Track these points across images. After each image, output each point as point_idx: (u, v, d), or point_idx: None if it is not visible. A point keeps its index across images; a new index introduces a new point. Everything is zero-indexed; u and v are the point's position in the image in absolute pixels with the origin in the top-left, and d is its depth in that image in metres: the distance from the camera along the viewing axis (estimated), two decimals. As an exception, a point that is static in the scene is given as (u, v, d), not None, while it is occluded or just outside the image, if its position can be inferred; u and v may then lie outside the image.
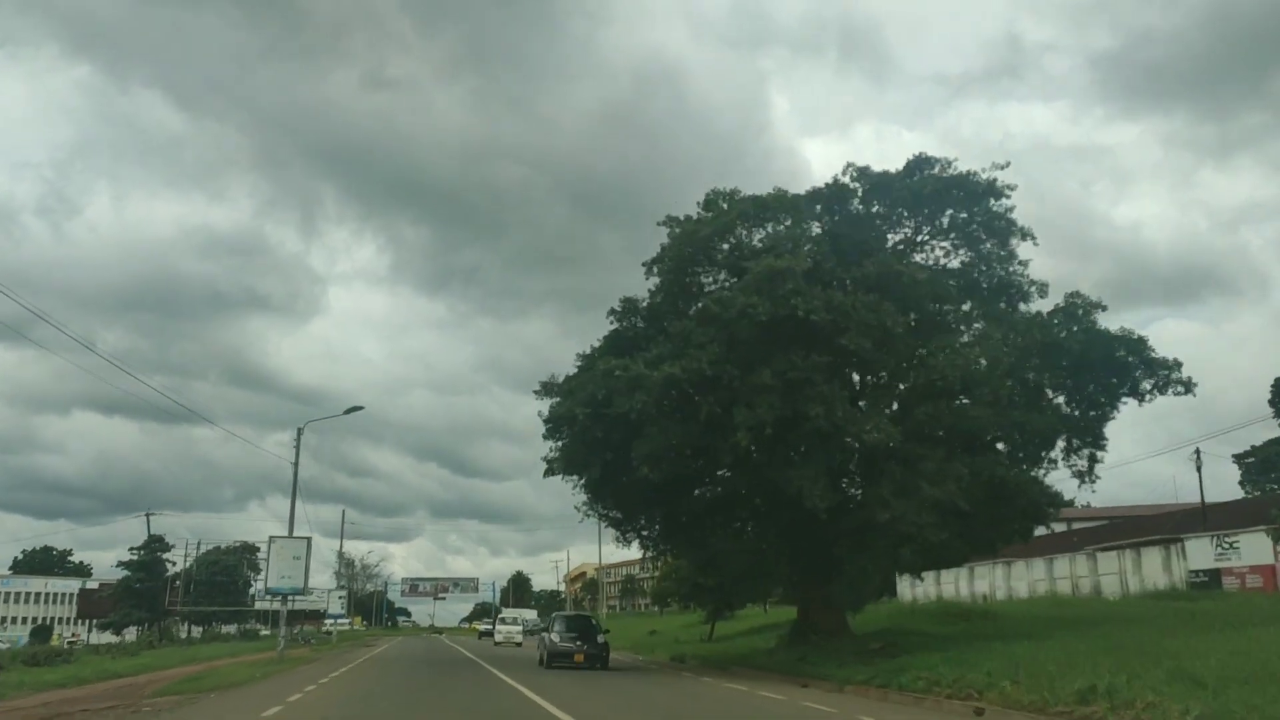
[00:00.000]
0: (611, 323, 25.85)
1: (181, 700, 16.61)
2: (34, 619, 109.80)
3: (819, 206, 24.33)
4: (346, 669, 25.35)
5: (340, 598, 72.14)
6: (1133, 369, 22.36)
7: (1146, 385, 22.37)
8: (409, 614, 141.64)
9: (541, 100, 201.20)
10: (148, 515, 77.54)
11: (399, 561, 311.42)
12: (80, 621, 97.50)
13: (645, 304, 25.67)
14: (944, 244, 24.58)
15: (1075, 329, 22.44)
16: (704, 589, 43.11)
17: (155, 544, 79.13)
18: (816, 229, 24.42)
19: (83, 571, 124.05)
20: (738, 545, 27.01)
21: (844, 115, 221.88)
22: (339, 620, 73.84)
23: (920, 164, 23.88)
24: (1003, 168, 22.97)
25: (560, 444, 24.45)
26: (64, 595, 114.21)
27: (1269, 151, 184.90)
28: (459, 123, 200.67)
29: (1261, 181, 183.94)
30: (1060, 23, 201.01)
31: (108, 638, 75.54)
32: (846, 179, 23.97)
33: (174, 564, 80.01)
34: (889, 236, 24.67)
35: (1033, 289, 24.19)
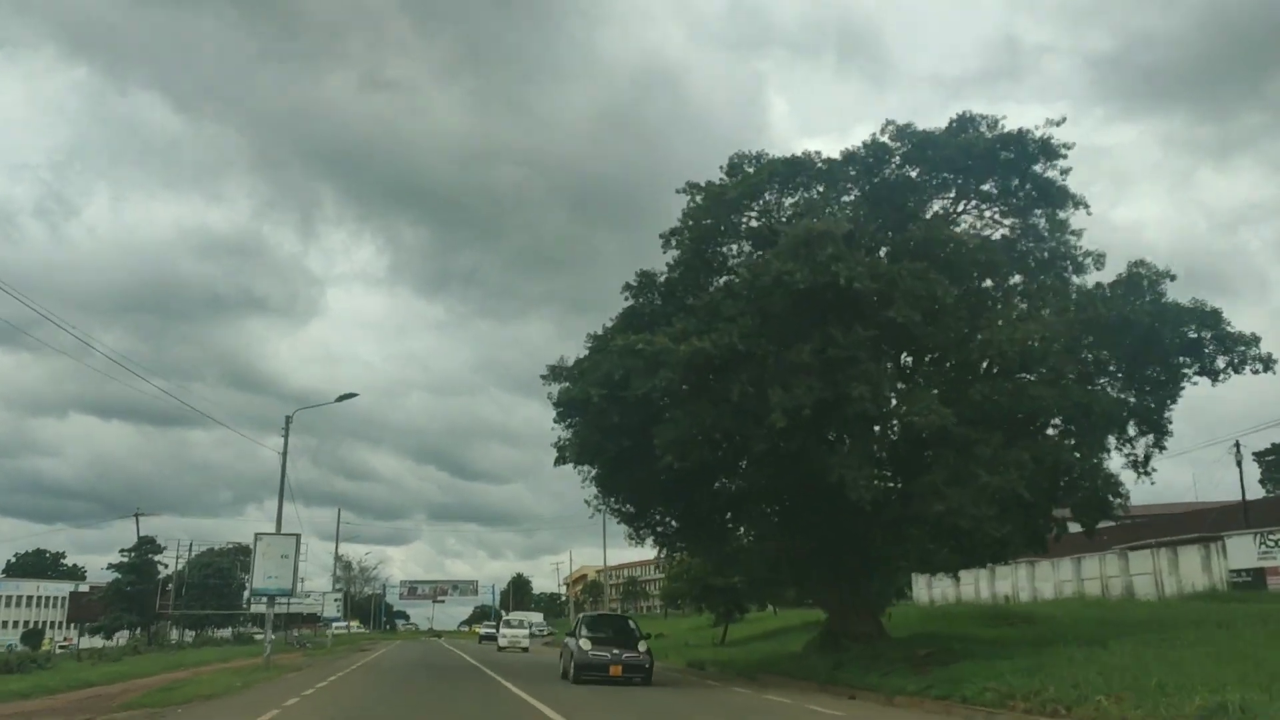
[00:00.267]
0: (626, 299, 23.69)
1: (147, 715, 14.77)
2: (26, 623, 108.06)
3: (853, 170, 22.10)
4: (336, 676, 23.11)
5: (336, 600, 69.75)
6: (1203, 345, 20.20)
7: (1220, 363, 20.19)
8: (408, 617, 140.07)
9: (540, 102, 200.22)
10: (137, 516, 75.31)
11: (397, 565, 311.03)
12: (71, 625, 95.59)
13: (663, 279, 23.52)
14: (989, 212, 22.42)
15: (1140, 302, 20.27)
16: (715, 590, 41.36)
17: (146, 546, 77.02)
18: (850, 196, 22.29)
19: (76, 574, 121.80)
20: (763, 542, 24.91)
21: (842, 117, 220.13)
22: (336, 624, 71.74)
23: (966, 123, 21.67)
24: (1058, 124, 20.79)
25: (572, 430, 22.31)
26: (56, 599, 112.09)
27: (1268, 152, 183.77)
28: (457, 124, 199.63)
29: (1260, 182, 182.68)
30: (1058, 25, 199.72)
31: (99, 642, 73.64)
32: (885, 138, 21.72)
33: (166, 566, 78.02)
34: (930, 205, 22.52)
35: (1088, 260, 22.00)
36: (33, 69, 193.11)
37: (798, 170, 21.23)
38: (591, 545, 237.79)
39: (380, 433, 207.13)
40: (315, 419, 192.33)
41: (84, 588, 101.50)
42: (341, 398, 30.73)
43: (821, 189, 21.58)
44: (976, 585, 47.88)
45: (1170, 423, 20.91)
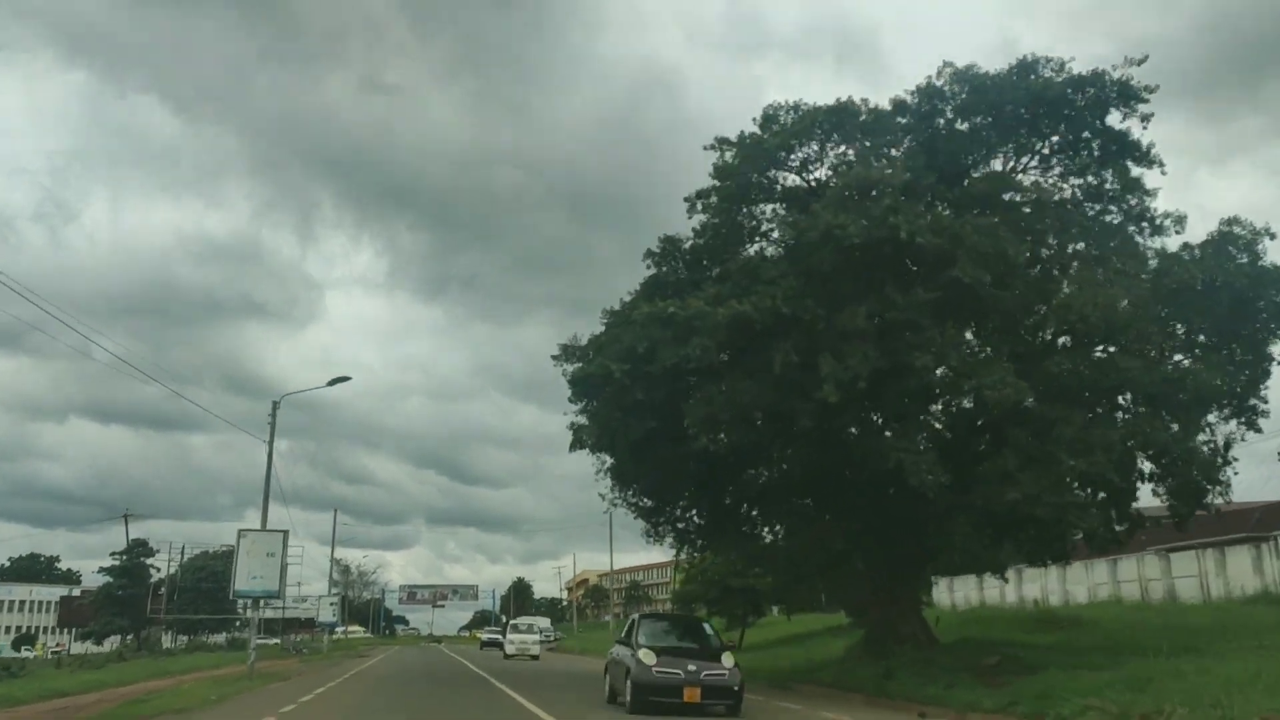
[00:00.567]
0: (649, 267, 21.31)
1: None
2: (17, 628, 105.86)
3: (903, 119, 19.70)
4: (324, 689, 20.59)
5: (332, 604, 67.24)
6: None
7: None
8: (407, 622, 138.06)
9: (538, 106, 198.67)
10: (126, 518, 72.89)
11: (397, 569, 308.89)
12: (62, 630, 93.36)
13: (689, 245, 21.17)
14: (1057, 168, 20.04)
15: (1231, 265, 17.81)
16: (735, 591, 38.95)
17: (137, 549, 74.56)
18: (900, 150, 19.90)
19: (70, 578, 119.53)
20: (794, 538, 22.58)
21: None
22: (335, 629, 69.35)
23: (1028, 67, 19.26)
24: (1139, 63, 18.31)
25: (588, 412, 19.97)
26: (48, 604, 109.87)
27: (1265, 156, 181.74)
28: (456, 128, 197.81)
29: (1258, 185, 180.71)
30: (1056, 29, 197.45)
31: (89, 647, 71.38)
32: (940, 82, 19.28)
33: (159, 570, 75.62)
34: (989, 161, 20.15)
35: (1167, 221, 19.59)
36: (31, 73, 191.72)
37: (843, 119, 18.85)
38: (591, 550, 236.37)
39: (379, 437, 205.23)
40: (314, 422, 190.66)
41: (77, 592, 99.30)
42: (333, 381, 28.45)
43: (869, 142, 19.23)
44: (1002, 588, 45.26)
45: (1266, 403, 18.36)
